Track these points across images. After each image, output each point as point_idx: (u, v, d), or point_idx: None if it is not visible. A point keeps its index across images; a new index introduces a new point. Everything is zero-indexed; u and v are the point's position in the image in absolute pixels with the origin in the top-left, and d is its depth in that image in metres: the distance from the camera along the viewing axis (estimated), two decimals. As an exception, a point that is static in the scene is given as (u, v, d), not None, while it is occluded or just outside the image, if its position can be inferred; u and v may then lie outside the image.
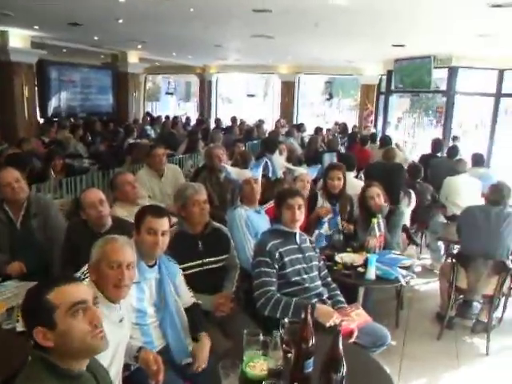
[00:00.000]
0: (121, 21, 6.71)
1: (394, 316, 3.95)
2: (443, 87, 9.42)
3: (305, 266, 2.68)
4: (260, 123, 11.27)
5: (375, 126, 12.40)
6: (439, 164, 6.31)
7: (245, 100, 16.16)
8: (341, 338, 1.60)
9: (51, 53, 10.08)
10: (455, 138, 7.37)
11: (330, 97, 13.81)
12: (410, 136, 10.71)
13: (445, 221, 5.21)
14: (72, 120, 10.67)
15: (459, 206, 5.00)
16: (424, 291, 4.72)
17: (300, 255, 2.69)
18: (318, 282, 2.73)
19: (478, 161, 5.92)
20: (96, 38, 9.05)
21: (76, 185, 5.04)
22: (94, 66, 12.52)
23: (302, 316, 1.73)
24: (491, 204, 3.80)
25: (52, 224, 3.06)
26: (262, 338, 1.90)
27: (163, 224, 2.23)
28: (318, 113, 16.90)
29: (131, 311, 2.07)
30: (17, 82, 8.75)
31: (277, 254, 2.57)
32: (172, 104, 18.11)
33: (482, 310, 3.97)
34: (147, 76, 14.55)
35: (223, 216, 3.46)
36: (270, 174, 4.77)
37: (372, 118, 12.67)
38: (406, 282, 3.16)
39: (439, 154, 6.81)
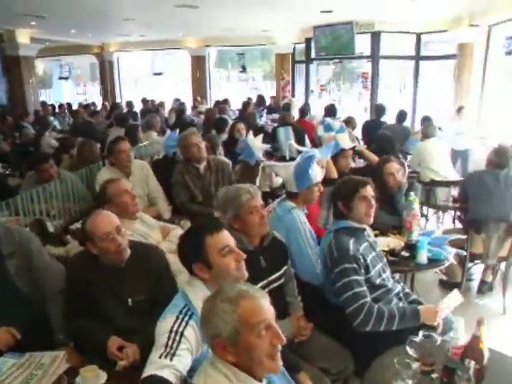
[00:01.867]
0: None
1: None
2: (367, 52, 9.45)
3: (381, 264, 2.31)
4: (180, 103, 10.50)
5: (293, 95, 12.26)
6: (390, 129, 6.27)
7: (152, 79, 14.98)
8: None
9: None
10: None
11: (244, 69, 13.31)
12: (337, 102, 10.70)
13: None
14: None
15: (434, 171, 4.99)
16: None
17: (374, 253, 2.30)
18: (392, 280, 2.38)
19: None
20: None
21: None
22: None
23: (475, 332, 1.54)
24: (497, 167, 3.75)
25: (37, 264, 2.25)
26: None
27: (228, 237, 1.74)
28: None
29: None
30: None
31: (360, 257, 2.15)
32: (68, 90, 16.18)
33: (486, 271, 4.00)
34: (35, 59, 12.75)
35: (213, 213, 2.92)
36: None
37: (289, 87, 12.49)
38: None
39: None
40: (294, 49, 12.06)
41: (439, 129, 6.01)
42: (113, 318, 2.08)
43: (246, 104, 9.98)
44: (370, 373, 2.03)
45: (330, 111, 7.18)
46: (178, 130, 4.75)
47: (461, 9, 7.59)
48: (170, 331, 1.53)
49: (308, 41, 10.51)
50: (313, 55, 10.51)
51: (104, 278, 2.07)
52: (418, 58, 9.25)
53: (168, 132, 5.35)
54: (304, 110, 7.81)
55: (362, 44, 9.29)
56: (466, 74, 8.19)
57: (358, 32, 9.06)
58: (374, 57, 9.28)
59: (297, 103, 10.37)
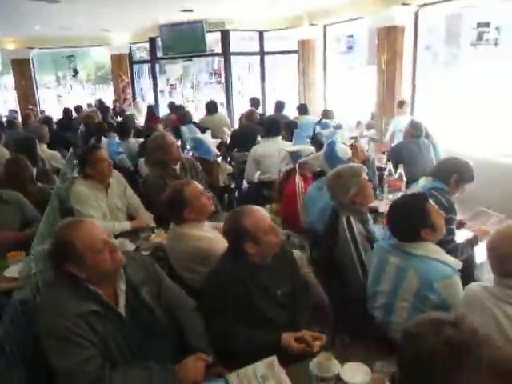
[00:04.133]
0: None
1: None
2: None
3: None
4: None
5: (134, 97, 11.96)
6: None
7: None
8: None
9: None
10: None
11: (76, 73, 12.24)
12: (190, 101, 10.88)
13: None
14: None
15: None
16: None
17: None
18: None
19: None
20: None
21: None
22: None
23: None
24: (415, 137, 4.64)
25: (167, 285, 2.03)
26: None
27: None
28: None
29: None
30: None
31: None
32: None
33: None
34: None
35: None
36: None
37: (130, 89, 12.09)
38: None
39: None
40: (130, 49, 11.72)
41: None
42: (267, 314, 2.07)
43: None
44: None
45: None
46: (116, 136, 4.42)
47: (301, 9, 8.65)
48: None
49: (152, 40, 10.40)
50: (159, 54, 10.46)
51: (255, 275, 2.05)
52: (262, 53, 10.11)
53: (104, 139, 4.82)
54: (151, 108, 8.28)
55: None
56: (310, 68, 9.36)
57: (208, 30, 9.42)
58: (225, 54, 9.79)
59: (141, 104, 10.32)
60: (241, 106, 9.52)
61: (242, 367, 1.79)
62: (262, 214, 2.08)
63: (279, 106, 7.48)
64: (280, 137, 4.84)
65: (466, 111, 6.87)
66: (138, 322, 1.80)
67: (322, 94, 9.39)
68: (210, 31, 9.47)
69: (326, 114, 6.59)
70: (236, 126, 8.10)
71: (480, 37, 5.40)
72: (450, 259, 1.92)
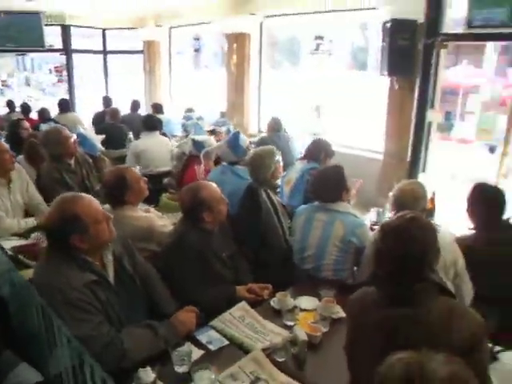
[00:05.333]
0: None
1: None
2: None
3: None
4: None
5: None
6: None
7: None
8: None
9: None
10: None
11: None
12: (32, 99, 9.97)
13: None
14: None
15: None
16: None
17: None
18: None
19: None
20: None
21: None
22: None
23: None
24: (276, 130, 5.40)
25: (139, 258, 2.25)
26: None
27: None
28: None
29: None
30: None
31: None
32: None
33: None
34: None
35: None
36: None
37: None
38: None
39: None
40: None
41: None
42: (219, 273, 2.45)
43: None
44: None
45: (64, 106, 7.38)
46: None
47: (146, 10, 8.81)
48: None
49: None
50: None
51: (208, 241, 2.41)
52: (105, 52, 9.93)
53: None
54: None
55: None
56: (157, 67, 9.58)
57: (47, 23, 8.87)
58: (67, 50, 9.34)
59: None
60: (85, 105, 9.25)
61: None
62: (214, 186, 2.45)
63: (135, 105, 7.59)
64: (158, 131, 5.10)
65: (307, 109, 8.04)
66: (125, 290, 2.00)
67: (169, 92, 9.73)
68: (49, 24, 8.93)
69: (189, 109, 7.07)
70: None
71: (317, 47, 6.44)
72: (357, 213, 2.59)
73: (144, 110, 8.29)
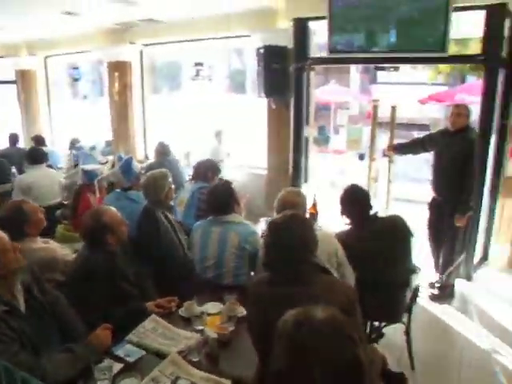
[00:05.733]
0: None
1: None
2: None
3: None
4: None
5: None
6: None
7: None
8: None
9: None
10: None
11: None
12: None
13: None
14: None
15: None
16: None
17: None
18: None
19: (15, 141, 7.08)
20: None
21: None
22: None
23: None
24: (165, 155, 5.55)
25: None
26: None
27: None
28: None
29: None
30: None
31: None
32: None
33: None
34: None
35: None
36: None
37: None
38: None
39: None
40: None
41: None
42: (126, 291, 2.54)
43: None
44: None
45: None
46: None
47: (18, 38, 8.39)
48: None
49: None
50: None
51: (113, 261, 2.49)
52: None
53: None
54: None
55: None
56: (33, 98, 9.15)
57: None
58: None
59: None
60: None
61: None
62: (114, 210, 2.56)
63: (13, 138, 7.20)
64: (44, 164, 4.96)
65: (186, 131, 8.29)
66: (37, 317, 2.02)
67: (49, 124, 9.35)
68: None
69: (74, 140, 6.93)
70: None
71: (197, 73, 6.75)
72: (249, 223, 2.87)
73: (23, 144, 7.87)
